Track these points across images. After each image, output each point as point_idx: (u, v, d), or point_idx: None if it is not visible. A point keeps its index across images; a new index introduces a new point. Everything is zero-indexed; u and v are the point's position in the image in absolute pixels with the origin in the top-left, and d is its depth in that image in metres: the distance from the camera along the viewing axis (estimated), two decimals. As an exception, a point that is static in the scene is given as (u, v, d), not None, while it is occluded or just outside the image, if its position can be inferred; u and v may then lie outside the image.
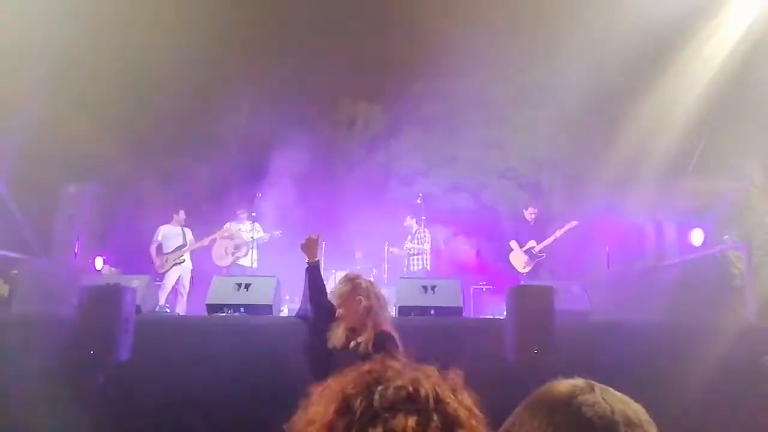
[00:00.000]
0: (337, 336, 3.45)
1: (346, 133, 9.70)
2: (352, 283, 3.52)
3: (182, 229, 8.35)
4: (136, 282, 6.48)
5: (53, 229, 8.47)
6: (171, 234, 8.25)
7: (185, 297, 7.97)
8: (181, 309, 7.81)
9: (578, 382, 1.28)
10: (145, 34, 8.00)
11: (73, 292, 5.56)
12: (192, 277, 8.27)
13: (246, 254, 8.33)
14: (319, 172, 9.67)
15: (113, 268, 8.53)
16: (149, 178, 9.02)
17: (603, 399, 1.23)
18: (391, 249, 9.09)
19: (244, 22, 8.86)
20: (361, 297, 3.46)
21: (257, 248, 8.40)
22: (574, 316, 6.15)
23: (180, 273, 8.06)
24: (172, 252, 8.12)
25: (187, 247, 8.19)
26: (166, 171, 9.17)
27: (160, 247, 8.13)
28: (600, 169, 8.45)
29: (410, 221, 8.78)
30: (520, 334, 5.08)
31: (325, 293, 3.79)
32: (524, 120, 9.06)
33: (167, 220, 8.30)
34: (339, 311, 3.48)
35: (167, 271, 7.99)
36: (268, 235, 8.34)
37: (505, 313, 5.54)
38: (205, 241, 8.19)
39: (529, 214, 8.33)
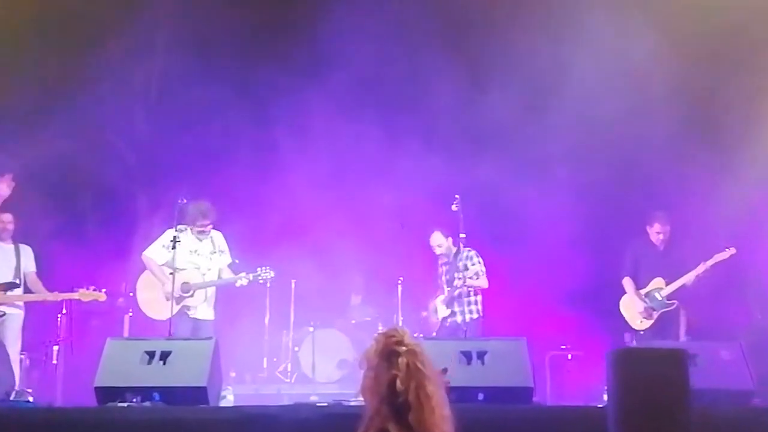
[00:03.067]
0: None
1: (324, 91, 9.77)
2: (380, 344, 3.49)
3: (15, 246, 8.29)
4: (-23, 352, 6.50)
5: None
6: None
7: (17, 366, 7.83)
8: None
9: None
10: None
11: None
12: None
13: (201, 298, 8.29)
14: (287, 159, 9.74)
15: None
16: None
17: None
18: (430, 304, 9.02)
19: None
20: (378, 372, 3.42)
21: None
22: (725, 398, 6.18)
23: None
24: None
25: (18, 291, 8.07)
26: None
27: None
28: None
29: (442, 240, 8.78)
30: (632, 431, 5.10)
31: None
32: (600, 82, 9.15)
33: None
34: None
35: None
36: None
37: (605, 396, 5.53)
38: (54, 296, 8.11)
39: (656, 233, 8.45)
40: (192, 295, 8.22)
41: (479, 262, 8.52)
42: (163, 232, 8.37)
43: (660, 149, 9.33)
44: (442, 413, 3.31)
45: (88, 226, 9.84)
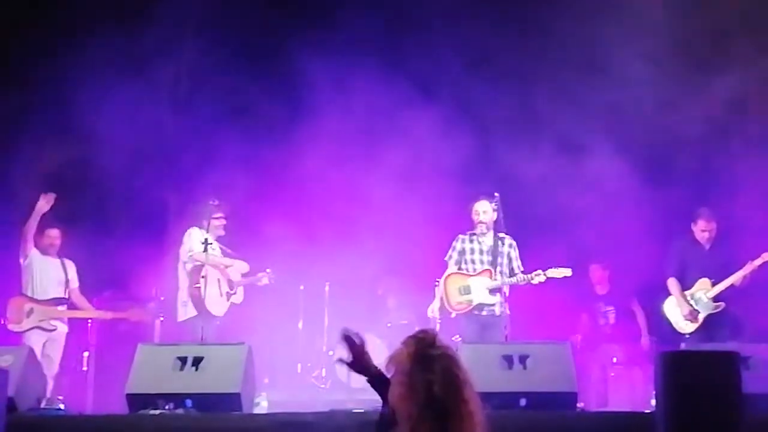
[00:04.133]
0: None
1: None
2: (412, 348, 3.44)
3: (61, 261, 8.62)
4: (9, 358, 6.52)
5: None
6: (44, 267, 8.51)
7: (51, 376, 8.07)
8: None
9: None
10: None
11: None
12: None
13: (241, 295, 8.57)
14: (322, 162, 9.73)
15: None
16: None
17: None
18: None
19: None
20: (412, 378, 3.35)
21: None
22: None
23: (45, 341, 8.27)
24: (44, 302, 8.35)
25: (64, 307, 8.45)
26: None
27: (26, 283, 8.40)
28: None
29: (488, 207, 8.22)
30: (683, 440, 5.01)
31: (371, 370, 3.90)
32: (641, 57, 9.07)
33: (36, 242, 8.55)
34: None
35: (25, 332, 8.21)
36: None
37: (653, 401, 5.47)
38: (103, 314, 8.57)
39: (701, 231, 8.29)
40: (236, 293, 8.41)
41: (518, 255, 8.24)
42: (185, 232, 8.44)
43: (707, 134, 9.20)
44: (479, 419, 3.27)
45: (117, 229, 9.91)
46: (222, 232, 8.54)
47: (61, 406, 7.60)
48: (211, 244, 8.17)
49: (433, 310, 8.37)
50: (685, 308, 8.14)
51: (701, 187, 9.25)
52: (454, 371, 3.30)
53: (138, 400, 6.34)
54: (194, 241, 8.31)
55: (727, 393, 5.11)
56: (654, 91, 9.20)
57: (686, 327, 8.13)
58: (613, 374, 8.98)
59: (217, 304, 8.25)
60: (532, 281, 7.94)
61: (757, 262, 7.89)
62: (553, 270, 7.94)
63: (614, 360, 9.12)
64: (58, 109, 9.63)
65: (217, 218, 8.43)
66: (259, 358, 7.04)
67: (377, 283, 10.32)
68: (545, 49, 9.88)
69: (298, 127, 9.96)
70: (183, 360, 6.51)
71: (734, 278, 7.97)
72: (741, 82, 8.88)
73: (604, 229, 9.40)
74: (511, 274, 8.14)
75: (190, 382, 6.40)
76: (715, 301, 8.05)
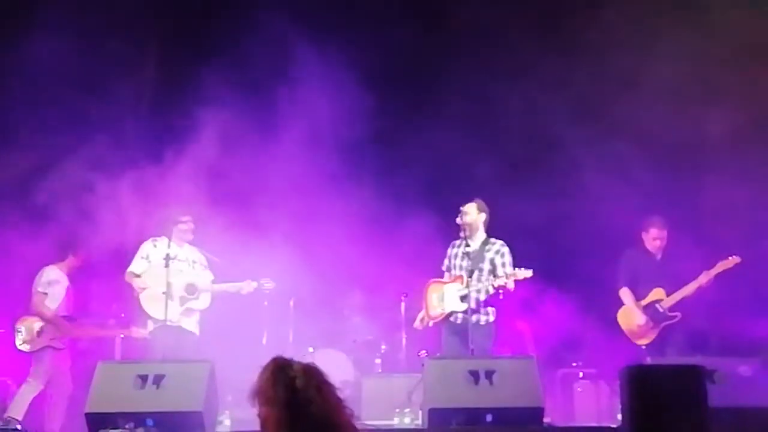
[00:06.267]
0: None
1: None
2: (268, 368, 3.48)
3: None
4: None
5: None
6: (59, 285, 8.56)
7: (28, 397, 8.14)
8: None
9: None
10: None
11: None
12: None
13: (206, 302, 8.29)
14: (284, 178, 9.72)
15: None
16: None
17: None
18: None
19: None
20: (275, 387, 3.40)
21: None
22: (746, 418, 6.09)
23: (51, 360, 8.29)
24: (54, 319, 8.34)
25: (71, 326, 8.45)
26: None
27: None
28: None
29: (474, 211, 7.98)
30: (649, 454, 5.05)
31: None
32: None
33: (53, 259, 8.61)
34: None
35: (36, 351, 8.23)
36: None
37: (619, 416, 5.51)
38: (104, 332, 8.70)
39: (653, 239, 8.31)
40: (197, 298, 8.14)
41: (510, 262, 7.86)
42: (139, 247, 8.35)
43: (662, 145, 9.29)
44: (348, 413, 3.31)
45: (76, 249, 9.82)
46: (191, 237, 8.33)
47: (18, 427, 7.55)
48: (173, 258, 8.00)
49: (420, 320, 8.19)
50: (641, 318, 8.06)
51: (655, 191, 9.28)
52: (316, 371, 3.40)
53: (98, 420, 6.27)
54: (135, 258, 8.21)
55: (692, 407, 5.17)
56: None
57: (642, 338, 8.09)
58: (579, 389, 9.03)
59: (159, 308, 7.89)
60: (494, 284, 7.64)
61: (713, 272, 7.87)
62: (514, 271, 7.60)
63: (580, 375, 9.17)
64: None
65: (183, 222, 8.22)
66: (223, 375, 7.00)
67: (342, 301, 10.31)
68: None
69: (265, 142, 9.92)
70: (144, 378, 6.46)
71: (689, 288, 7.94)
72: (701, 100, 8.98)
73: (571, 237, 9.45)
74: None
75: (151, 401, 6.34)
76: (670, 312, 8.01)
